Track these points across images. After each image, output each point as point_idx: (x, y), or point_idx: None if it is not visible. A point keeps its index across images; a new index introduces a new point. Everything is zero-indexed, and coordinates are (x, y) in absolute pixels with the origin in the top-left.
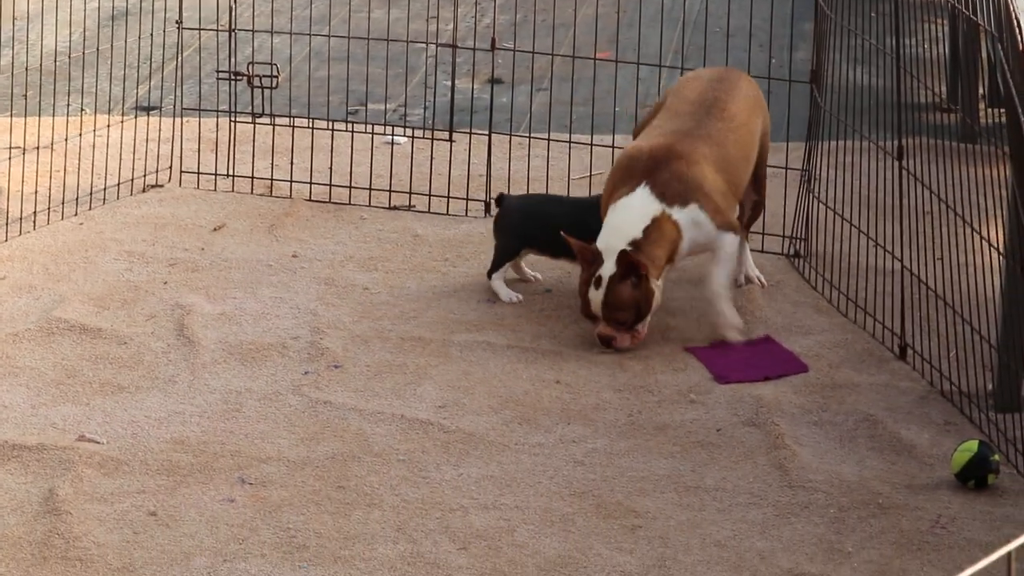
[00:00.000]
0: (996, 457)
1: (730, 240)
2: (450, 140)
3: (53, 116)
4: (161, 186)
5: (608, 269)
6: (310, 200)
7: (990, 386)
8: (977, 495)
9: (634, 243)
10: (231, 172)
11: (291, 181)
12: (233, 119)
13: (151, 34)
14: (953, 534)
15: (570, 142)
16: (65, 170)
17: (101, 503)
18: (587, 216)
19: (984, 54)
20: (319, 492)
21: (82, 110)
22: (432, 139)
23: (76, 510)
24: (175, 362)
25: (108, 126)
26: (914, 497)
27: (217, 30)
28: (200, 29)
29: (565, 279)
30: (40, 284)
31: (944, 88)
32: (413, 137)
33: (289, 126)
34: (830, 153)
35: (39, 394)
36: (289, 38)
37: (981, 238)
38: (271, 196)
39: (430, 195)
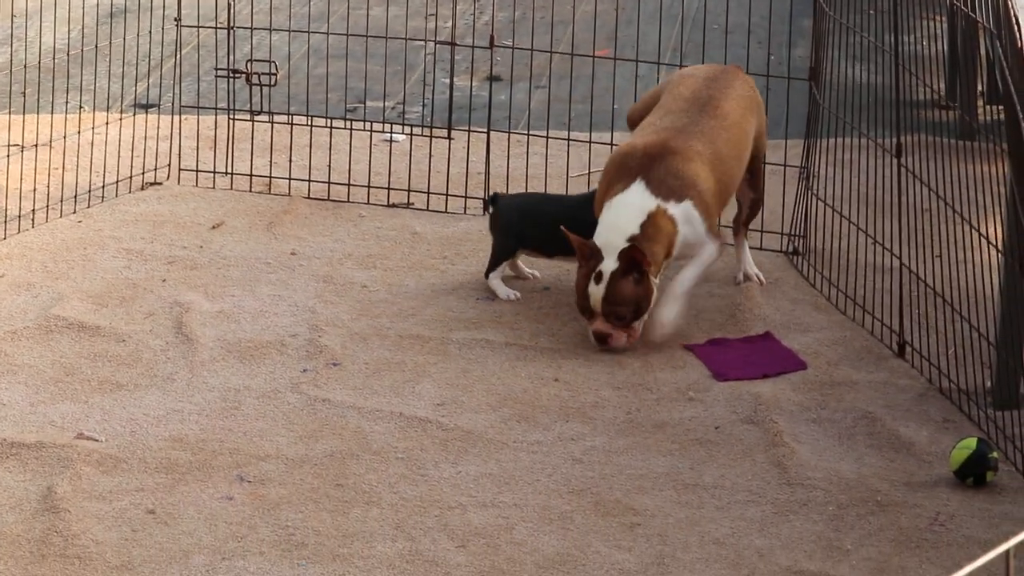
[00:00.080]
0: (995, 454)
1: (712, 249)
2: (449, 138)
3: (52, 114)
4: (160, 184)
5: (608, 265)
6: (308, 198)
7: (989, 383)
8: (976, 492)
9: (632, 239)
10: (230, 170)
11: (290, 179)
12: (232, 117)
13: (150, 32)
14: (952, 531)
15: (568, 140)
16: (64, 168)
17: (100, 501)
18: (583, 213)
19: (983, 51)
20: (318, 490)
21: (81, 108)
22: (431, 137)
23: (75, 508)
24: (174, 360)
25: (107, 124)
26: (913, 494)
27: (216, 28)
28: (199, 27)
29: (563, 277)
30: (39, 282)
31: (943, 85)
32: (412, 135)
33: (288, 124)
34: (829, 150)
35: (38, 392)
36: (288, 36)
37: (980, 235)
38: (269, 194)
39: (429, 193)
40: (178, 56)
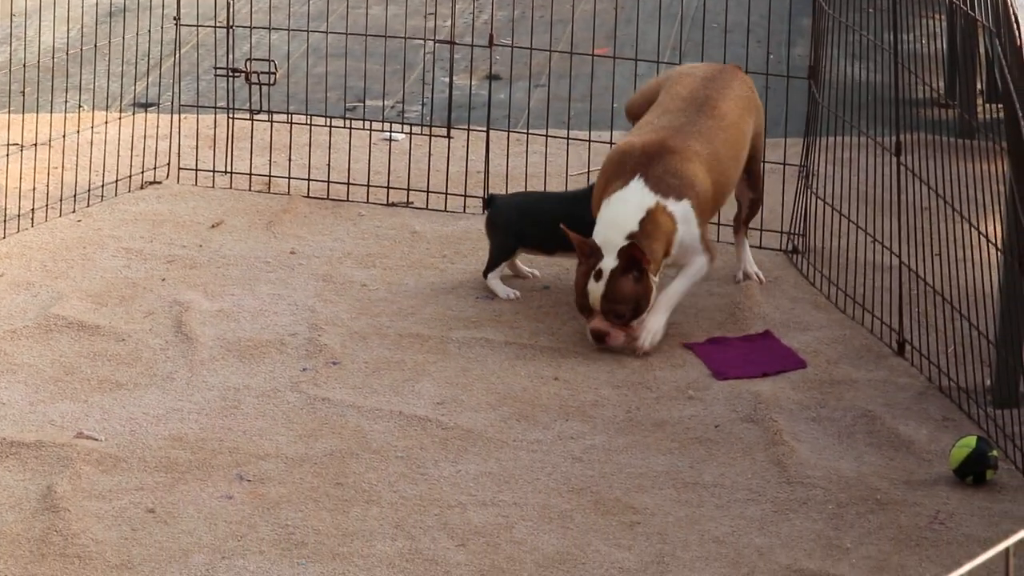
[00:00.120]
0: (994, 453)
1: (703, 262)
2: (448, 136)
3: (51, 113)
4: (159, 183)
5: (608, 263)
6: (308, 197)
7: (988, 382)
8: (975, 491)
9: (631, 236)
10: (229, 169)
11: (289, 178)
12: (231, 116)
13: (149, 31)
14: (951, 530)
15: (568, 138)
16: (63, 167)
17: (99, 500)
18: (581, 208)
19: (982, 50)
20: (317, 489)
21: (80, 107)
22: (430, 135)
23: (74, 507)
24: (173, 359)
25: (106, 123)
26: (912, 493)
27: (215, 27)
28: (198, 26)
29: (563, 276)
30: (38, 281)
31: (942, 84)
32: (411, 133)
33: (287, 123)
34: (828, 149)
35: (37, 391)
36: (287, 34)
37: (979, 234)
38: (269, 193)
39: (428, 192)
40: (177, 55)
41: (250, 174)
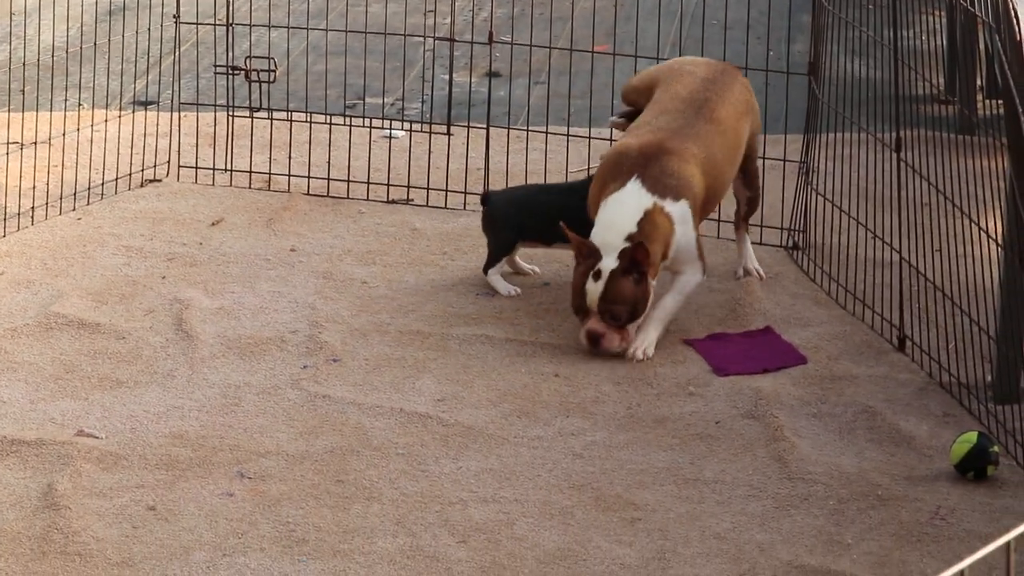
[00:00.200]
0: (995, 448)
1: (697, 274)
2: (448, 134)
3: (51, 111)
4: (159, 181)
5: (608, 263)
6: (308, 194)
7: (989, 377)
8: (976, 486)
9: (630, 237)
10: (229, 166)
11: (289, 175)
12: (231, 113)
13: (148, 29)
14: (952, 525)
15: (568, 135)
16: (63, 165)
17: (100, 498)
18: (578, 198)
19: (982, 45)
20: (318, 486)
21: (80, 105)
22: (430, 133)
23: (75, 505)
24: (174, 357)
25: (106, 121)
26: (913, 488)
27: (215, 24)
28: (197, 24)
29: (563, 272)
30: (38, 279)
31: (942, 80)
32: (411, 131)
33: (287, 120)
34: (828, 145)
35: (38, 389)
36: (287, 32)
37: (980, 229)
38: (269, 190)
39: (428, 189)
40: (177, 53)
41: (250, 172)
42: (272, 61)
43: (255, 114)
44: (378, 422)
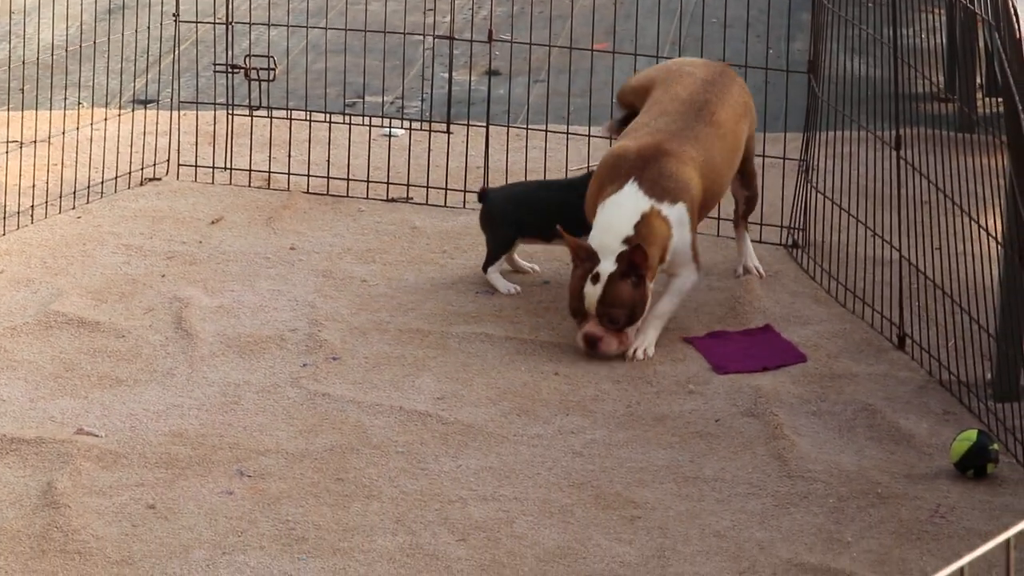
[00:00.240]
0: (995, 446)
1: (692, 276)
2: (448, 132)
3: (51, 110)
4: (159, 179)
5: (606, 267)
6: (308, 193)
7: (989, 375)
8: (976, 484)
9: (627, 240)
10: (228, 165)
11: (289, 174)
12: (230, 112)
13: (148, 27)
14: (952, 523)
15: (568, 133)
16: (63, 164)
17: (100, 496)
18: (576, 195)
19: (981, 44)
20: (318, 484)
21: (79, 104)
22: (430, 131)
23: (75, 503)
24: (173, 355)
25: (106, 120)
26: (913, 486)
27: (214, 23)
28: (197, 22)
29: (563, 271)
30: (38, 278)
31: (942, 78)
32: (411, 129)
33: (286, 119)
34: (828, 143)
35: (37, 387)
36: (286, 31)
37: (979, 227)
38: (269, 189)
39: (428, 187)
40: (176, 52)
41: (250, 170)
42: (272, 60)
43: (255, 112)
44: (378, 420)
